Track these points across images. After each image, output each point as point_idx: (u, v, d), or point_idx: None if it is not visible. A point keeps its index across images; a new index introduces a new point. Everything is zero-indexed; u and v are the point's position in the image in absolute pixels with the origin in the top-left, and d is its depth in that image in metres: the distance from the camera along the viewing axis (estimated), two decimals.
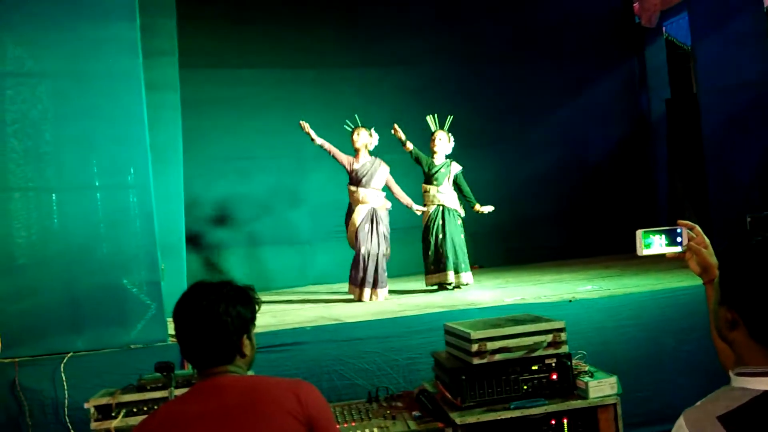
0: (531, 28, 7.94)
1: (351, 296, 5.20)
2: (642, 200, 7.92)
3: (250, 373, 1.69)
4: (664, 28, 8.23)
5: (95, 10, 3.65)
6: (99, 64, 3.65)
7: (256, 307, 1.68)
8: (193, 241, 6.57)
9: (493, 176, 7.52)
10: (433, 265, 5.36)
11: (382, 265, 5.19)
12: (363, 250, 5.13)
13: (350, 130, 5.37)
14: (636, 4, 8.24)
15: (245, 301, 1.63)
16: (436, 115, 5.54)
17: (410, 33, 7.53)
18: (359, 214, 5.20)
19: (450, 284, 5.31)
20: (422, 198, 5.51)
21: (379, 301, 5.08)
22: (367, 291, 5.12)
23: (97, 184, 3.65)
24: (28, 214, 3.55)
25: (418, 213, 5.43)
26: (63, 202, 3.59)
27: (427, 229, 5.42)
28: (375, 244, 5.16)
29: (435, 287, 5.38)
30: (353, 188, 5.29)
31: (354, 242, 5.23)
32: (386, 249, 5.24)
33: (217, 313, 1.56)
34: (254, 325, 1.67)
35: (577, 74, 8.09)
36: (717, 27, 5.97)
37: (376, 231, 5.18)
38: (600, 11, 8.24)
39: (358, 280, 5.15)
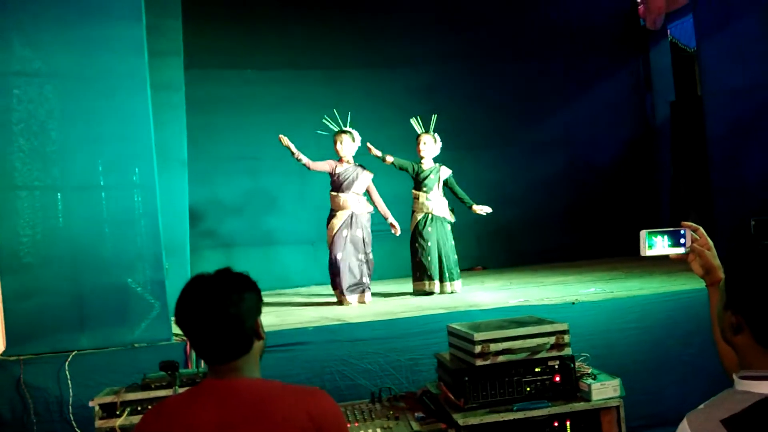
0: (536, 30, 7.93)
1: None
2: (646, 203, 7.91)
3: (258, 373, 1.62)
4: (668, 31, 8.22)
5: (101, 10, 3.67)
6: (105, 63, 3.67)
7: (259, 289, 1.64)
8: (198, 240, 6.59)
9: (497, 177, 7.51)
10: (419, 272, 5.32)
11: (363, 269, 5.14)
12: (339, 256, 5.09)
13: (333, 131, 5.32)
14: (641, 7, 8.24)
15: (249, 285, 1.59)
16: (419, 117, 5.48)
17: (417, 33, 7.54)
18: (339, 219, 5.18)
19: (435, 293, 5.25)
20: (412, 204, 5.46)
21: (364, 304, 5.04)
22: (350, 296, 5.06)
23: (102, 183, 3.67)
24: (33, 213, 3.57)
25: (393, 230, 5.39)
26: (68, 202, 3.61)
27: (414, 236, 5.37)
28: (351, 250, 5.12)
29: (422, 294, 5.32)
30: (334, 193, 5.28)
31: (330, 247, 5.21)
32: (366, 254, 5.19)
33: (230, 304, 1.51)
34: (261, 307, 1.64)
35: (581, 76, 8.08)
36: (722, 29, 5.96)
37: (354, 236, 5.15)
38: (604, 14, 8.23)
39: (336, 284, 5.12)
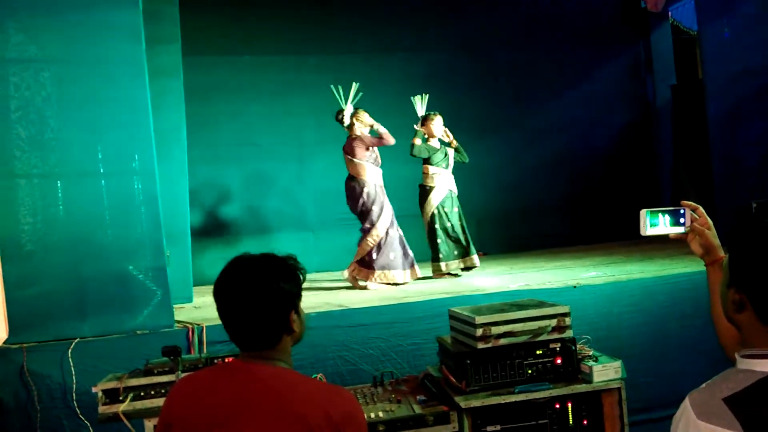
0: (536, 14, 7.88)
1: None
2: (647, 187, 7.91)
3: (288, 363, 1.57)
4: (669, 13, 8.18)
5: None
6: (102, 50, 3.65)
7: (301, 279, 1.58)
8: (199, 227, 6.60)
9: (498, 163, 7.50)
10: (456, 251, 5.33)
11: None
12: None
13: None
14: None
15: (289, 275, 1.53)
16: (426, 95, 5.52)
17: (415, 19, 7.49)
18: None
19: (474, 267, 5.34)
20: (425, 179, 5.43)
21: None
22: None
23: (101, 170, 3.65)
24: (33, 201, 3.56)
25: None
26: (68, 189, 3.60)
27: (439, 215, 5.34)
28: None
29: (456, 273, 5.35)
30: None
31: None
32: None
33: (259, 291, 1.47)
34: (301, 298, 1.58)
35: (582, 60, 8.05)
36: (723, 12, 5.91)
37: None
38: None
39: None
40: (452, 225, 5.34)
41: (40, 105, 3.56)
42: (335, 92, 5.30)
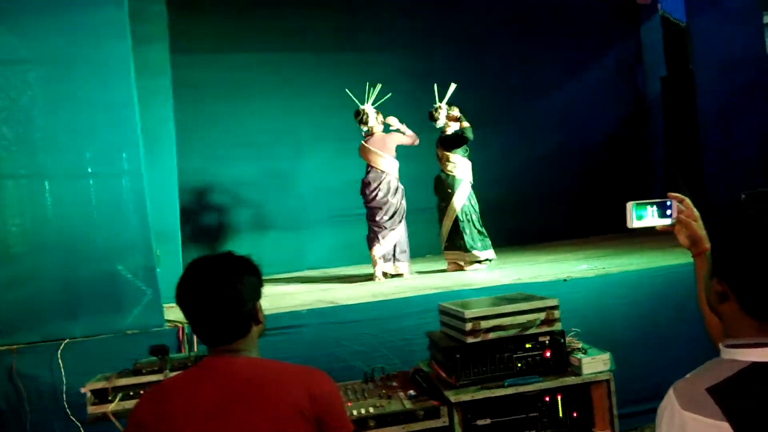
0: (528, 8, 7.88)
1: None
2: (639, 179, 7.93)
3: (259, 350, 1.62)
4: (659, 5, 8.19)
5: None
6: (88, 49, 3.62)
7: (260, 272, 1.64)
8: (189, 226, 6.57)
9: (491, 157, 7.47)
10: (480, 242, 5.34)
11: None
12: None
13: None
14: None
15: (251, 268, 1.59)
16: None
17: (409, 15, 7.48)
18: None
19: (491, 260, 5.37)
20: (453, 168, 5.43)
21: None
22: None
23: (89, 170, 3.63)
24: (21, 202, 3.54)
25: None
26: (56, 190, 3.57)
27: (470, 207, 5.37)
28: None
29: (482, 262, 5.36)
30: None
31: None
32: None
33: (231, 286, 1.52)
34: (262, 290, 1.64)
35: (573, 54, 8.05)
36: (712, 3, 5.93)
37: None
38: None
39: None
40: (478, 216, 5.39)
41: (27, 105, 3.53)
42: (349, 93, 5.39)
